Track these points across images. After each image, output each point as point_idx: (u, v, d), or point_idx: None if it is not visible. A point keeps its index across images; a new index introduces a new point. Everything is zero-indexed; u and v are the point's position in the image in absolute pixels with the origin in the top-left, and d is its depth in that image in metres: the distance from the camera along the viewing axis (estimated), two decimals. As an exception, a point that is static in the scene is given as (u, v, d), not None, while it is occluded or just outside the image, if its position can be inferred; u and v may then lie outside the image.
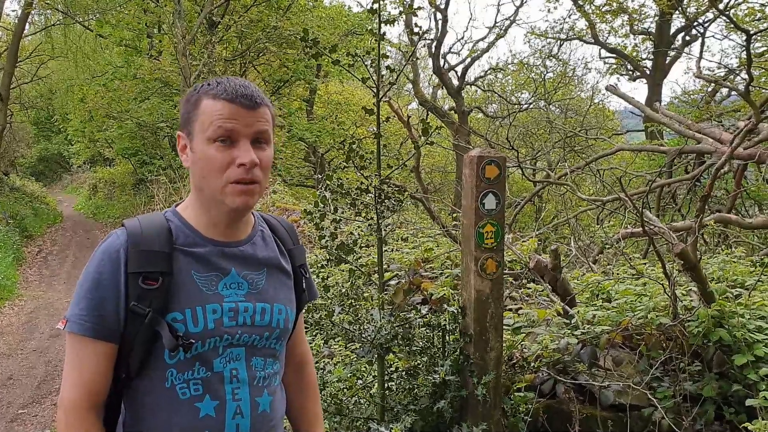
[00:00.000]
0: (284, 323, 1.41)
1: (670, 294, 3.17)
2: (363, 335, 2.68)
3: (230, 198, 1.29)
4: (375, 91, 2.70)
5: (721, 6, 9.13)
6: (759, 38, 10.67)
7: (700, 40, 13.03)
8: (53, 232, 16.47)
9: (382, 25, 2.74)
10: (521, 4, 19.75)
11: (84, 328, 1.25)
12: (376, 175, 2.75)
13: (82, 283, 1.28)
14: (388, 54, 2.69)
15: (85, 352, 1.27)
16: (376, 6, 2.67)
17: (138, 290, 1.25)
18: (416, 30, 2.69)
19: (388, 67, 2.66)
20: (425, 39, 14.43)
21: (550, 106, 16.13)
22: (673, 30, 14.56)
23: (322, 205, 2.85)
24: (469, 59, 16.92)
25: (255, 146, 1.30)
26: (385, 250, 4.65)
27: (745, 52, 5.38)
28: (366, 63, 2.73)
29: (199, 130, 1.29)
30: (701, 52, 13.14)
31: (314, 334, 4.22)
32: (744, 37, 5.25)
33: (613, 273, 4.38)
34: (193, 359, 1.28)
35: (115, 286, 1.26)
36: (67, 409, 1.26)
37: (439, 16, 16.06)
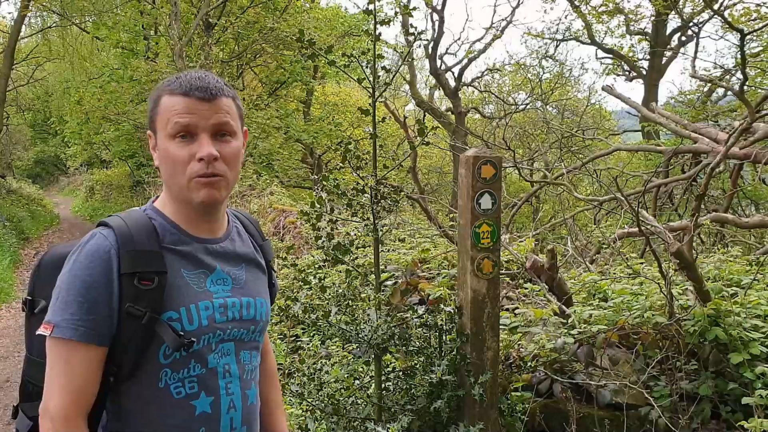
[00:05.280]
0: (266, 316, 1.45)
1: (666, 293, 3.17)
2: (360, 335, 2.68)
3: (195, 193, 1.28)
4: (371, 91, 2.71)
5: (716, 6, 9.14)
6: (755, 37, 10.70)
7: (695, 40, 13.06)
8: (50, 234, 16.39)
9: (378, 25, 2.74)
10: (518, 5, 19.73)
11: (78, 333, 1.21)
12: (372, 175, 2.75)
13: (69, 287, 1.23)
14: (384, 55, 2.69)
15: (76, 358, 1.22)
16: (371, 7, 2.67)
17: (133, 291, 1.23)
18: (411, 31, 2.70)
19: (383, 68, 2.66)
20: (421, 40, 14.44)
21: (547, 106, 16.15)
22: (669, 30, 14.61)
23: (319, 206, 2.85)
24: (465, 60, 16.91)
25: (217, 139, 1.29)
26: (382, 251, 4.65)
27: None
28: (362, 64, 2.73)
29: (161, 127, 1.29)
30: (695, 51, 13.23)
31: (312, 334, 4.21)
32: (738, 37, 5.27)
33: (610, 273, 4.39)
34: (188, 357, 1.28)
35: (107, 289, 1.23)
36: (56, 418, 1.21)
37: (435, 16, 16.06)
